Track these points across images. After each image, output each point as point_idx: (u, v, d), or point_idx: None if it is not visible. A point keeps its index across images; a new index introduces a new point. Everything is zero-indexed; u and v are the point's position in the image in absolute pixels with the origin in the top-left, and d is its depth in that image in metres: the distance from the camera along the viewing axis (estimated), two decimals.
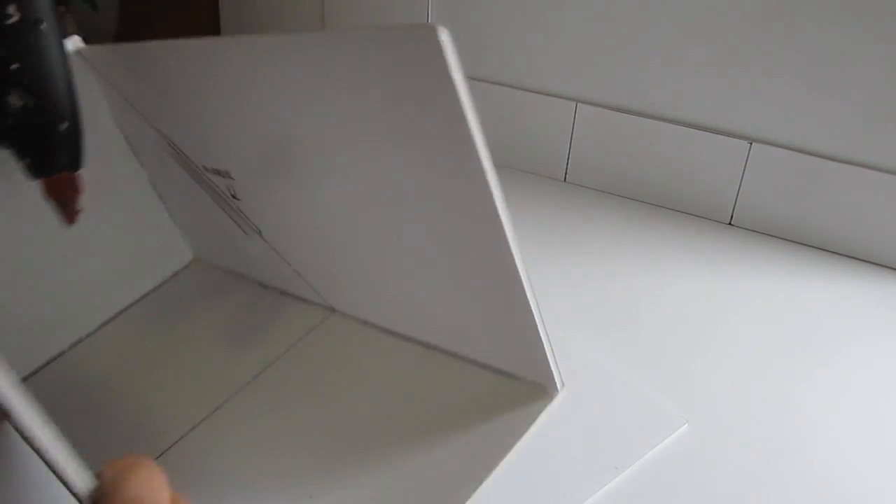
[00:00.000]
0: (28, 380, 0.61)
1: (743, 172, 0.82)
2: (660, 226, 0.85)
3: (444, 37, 0.34)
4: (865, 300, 0.74)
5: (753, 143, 0.81)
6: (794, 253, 0.81)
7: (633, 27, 0.82)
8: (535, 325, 0.47)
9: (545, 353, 0.50)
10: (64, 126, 0.39)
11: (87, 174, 0.48)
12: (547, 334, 0.49)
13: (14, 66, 0.36)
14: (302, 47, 0.40)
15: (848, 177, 0.77)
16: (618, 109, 0.87)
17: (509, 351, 0.54)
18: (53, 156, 0.40)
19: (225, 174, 0.57)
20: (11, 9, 0.35)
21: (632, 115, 0.86)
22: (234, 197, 0.58)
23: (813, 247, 0.82)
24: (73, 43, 0.53)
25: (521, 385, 0.54)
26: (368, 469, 0.48)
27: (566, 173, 0.92)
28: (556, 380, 0.53)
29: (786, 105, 0.78)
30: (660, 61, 0.82)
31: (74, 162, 0.41)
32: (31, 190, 0.47)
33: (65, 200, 0.42)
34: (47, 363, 0.62)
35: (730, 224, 0.85)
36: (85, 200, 0.48)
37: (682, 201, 0.87)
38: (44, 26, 0.36)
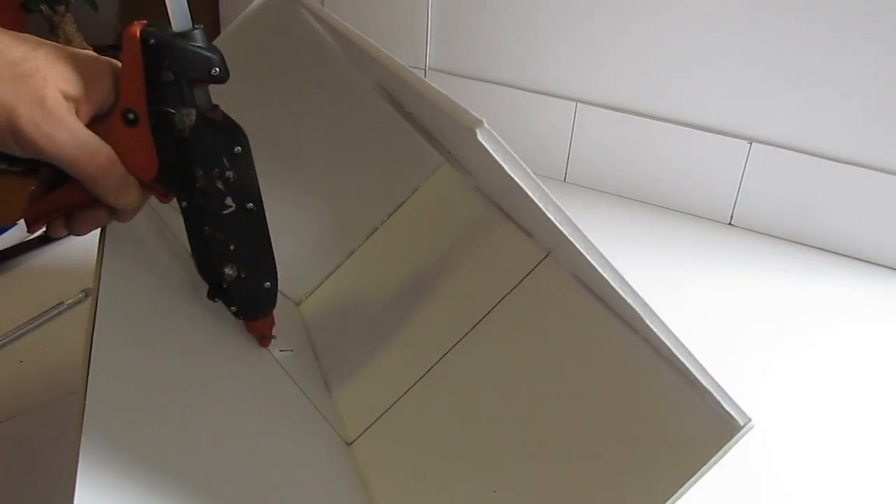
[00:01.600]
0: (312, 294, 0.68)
1: (743, 172, 0.82)
2: (660, 226, 0.85)
3: None
4: (865, 300, 0.74)
5: (753, 143, 0.81)
6: (794, 253, 0.81)
7: (633, 27, 0.82)
8: None
9: None
10: (267, 284, 0.48)
11: (329, 107, 0.61)
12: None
13: (231, 246, 0.45)
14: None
15: (848, 177, 0.77)
16: (618, 109, 0.87)
17: None
18: (257, 306, 0.49)
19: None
20: (229, 200, 0.43)
21: (632, 115, 0.86)
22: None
23: (813, 247, 0.82)
24: None
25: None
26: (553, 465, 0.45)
27: (566, 173, 0.92)
28: None
29: (786, 105, 0.78)
30: (660, 61, 0.82)
31: (272, 307, 0.50)
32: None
33: (263, 334, 0.52)
34: (331, 272, 0.69)
35: (730, 224, 0.85)
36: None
37: (682, 201, 0.87)
38: (253, 208, 0.44)
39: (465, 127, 0.29)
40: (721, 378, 0.38)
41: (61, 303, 0.70)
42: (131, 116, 0.39)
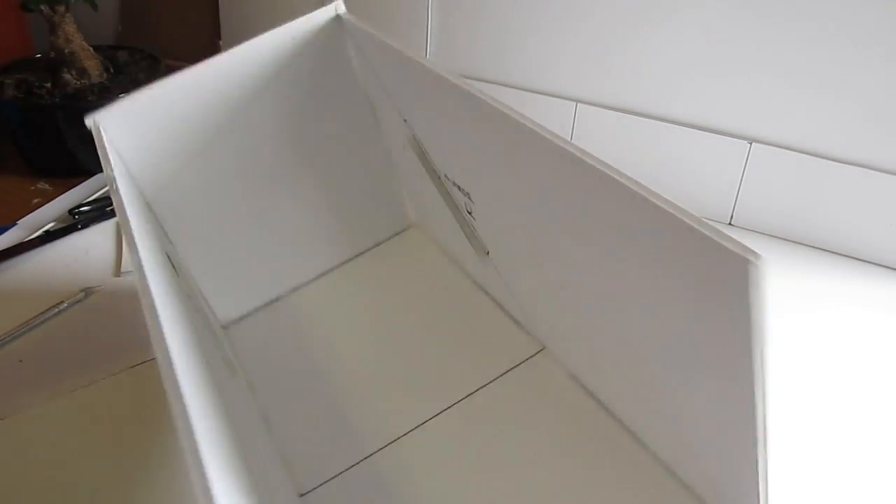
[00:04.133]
0: (243, 320, 0.66)
1: (743, 172, 0.82)
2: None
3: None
4: (865, 300, 0.74)
5: (753, 143, 0.81)
6: (794, 253, 0.81)
7: (633, 27, 0.82)
8: (757, 478, 0.41)
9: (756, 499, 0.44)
10: None
11: (327, 124, 0.58)
12: (766, 483, 0.42)
13: None
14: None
15: (848, 177, 0.77)
16: (618, 109, 0.87)
17: (710, 474, 0.48)
18: None
19: (465, 192, 0.55)
20: None
21: (632, 115, 0.86)
22: (469, 213, 0.56)
23: (813, 247, 0.82)
24: (337, 7, 0.55)
25: None
26: None
27: None
28: None
29: (786, 105, 0.78)
30: (660, 61, 0.82)
31: None
32: (272, 139, 0.57)
33: None
34: (267, 303, 0.67)
35: (730, 224, 0.85)
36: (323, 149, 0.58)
37: (682, 201, 0.87)
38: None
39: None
40: None
41: (61, 302, 0.70)
42: None
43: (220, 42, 1.05)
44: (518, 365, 0.57)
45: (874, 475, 0.55)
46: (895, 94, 0.73)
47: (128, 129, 0.53)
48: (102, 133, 0.52)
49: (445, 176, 0.57)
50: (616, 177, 0.38)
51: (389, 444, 0.54)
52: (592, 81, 0.87)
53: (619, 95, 0.86)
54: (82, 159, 0.90)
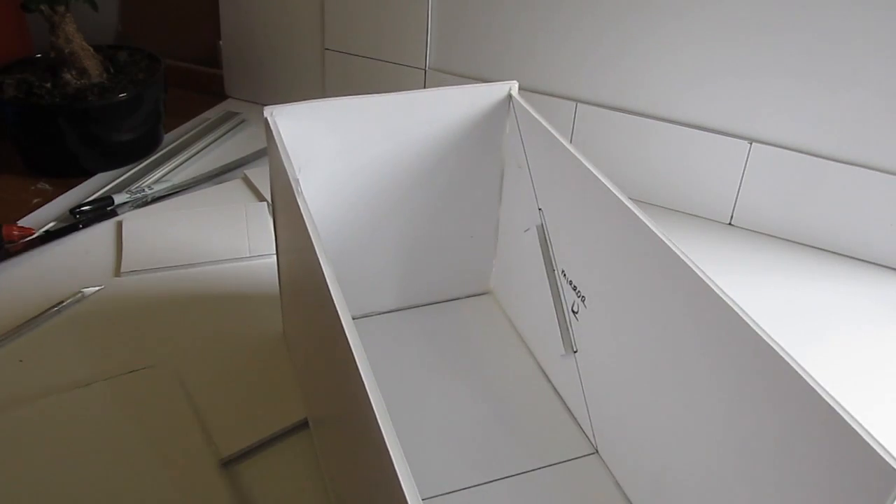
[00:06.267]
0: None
1: (743, 172, 0.82)
2: (660, 225, 0.85)
3: None
4: (865, 300, 0.74)
5: (753, 143, 0.81)
6: (794, 253, 0.81)
7: (633, 27, 0.82)
8: None
9: None
10: None
11: (460, 177, 0.65)
12: None
13: None
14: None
15: (848, 177, 0.77)
16: (618, 109, 0.87)
17: None
18: None
19: (580, 294, 0.56)
20: None
21: (632, 115, 0.86)
22: (573, 312, 0.58)
23: (813, 247, 0.82)
24: (511, 88, 0.63)
25: None
26: None
27: None
28: None
29: (786, 105, 0.78)
30: (660, 61, 0.82)
31: None
32: (409, 172, 0.64)
33: None
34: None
35: (730, 224, 0.85)
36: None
37: (682, 201, 0.87)
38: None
39: None
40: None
41: (61, 302, 0.70)
42: None
43: (220, 42, 1.05)
44: (569, 461, 0.57)
45: None
46: (895, 95, 0.73)
47: (296, 127, 0.58)
48: (277, 125, 0.55)
49: (563, 272, 0.59)
50: (764, 338, 0.40)
51: (426, 499, 0.54)
52: (592, 81, 0.87)
53: (619, 95, 0.86)
54: (82, 159, 0.90)
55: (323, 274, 0.41)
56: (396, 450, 0.31)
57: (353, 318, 0.68)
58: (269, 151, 0.57)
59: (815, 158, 0.78)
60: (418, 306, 0.72)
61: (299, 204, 0.46)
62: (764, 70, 0.78)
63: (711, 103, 0.82)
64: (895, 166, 0.75)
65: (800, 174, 0.79)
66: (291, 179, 0.48)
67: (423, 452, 0.57)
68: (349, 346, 0.36)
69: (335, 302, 0.39)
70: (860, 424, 0.33)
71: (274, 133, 0.54)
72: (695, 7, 0.78)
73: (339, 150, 0.60)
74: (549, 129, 0.57)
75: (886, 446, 0.32)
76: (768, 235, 0.84)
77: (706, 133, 0.83)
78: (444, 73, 0.92)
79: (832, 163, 0.78)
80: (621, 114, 0.86)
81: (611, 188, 0.50)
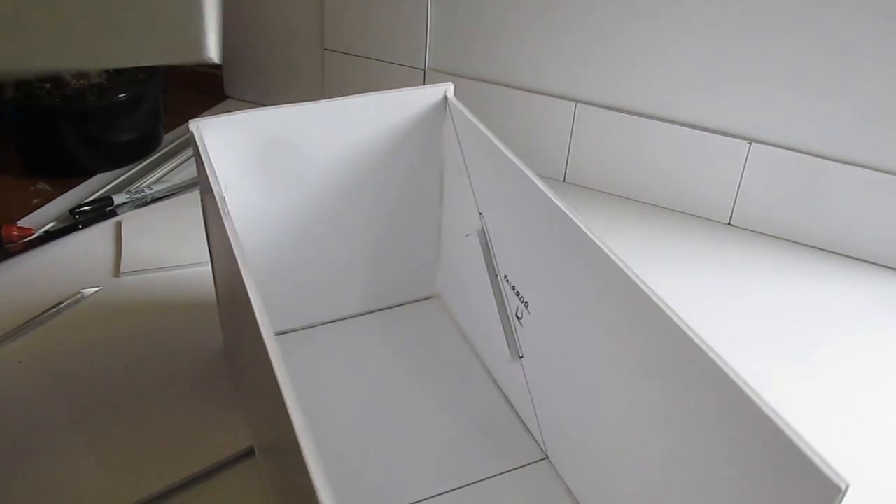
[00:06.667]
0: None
1: (743, 172, 0.82)
2: (659, 226, 0.85)
3: None
4: (865, 300, 0.74)
5: (753, 143, 0.81)
6: (793, 253, 0.81)
7: (633, 27, 0.82)
8: None
9: None
10: None
11: (398, 182, 0.64)
12: None
13: None
14: None
15: (848, 177, 0.77)
16: (618, 109, 0.87)
17: None
18: None
19: (523, 300, 0.56)
20: None
21: (632, 116, 0.86)
22: (518, 318, 0.57)
23: (813, 247, 0.82)
24: (447, 90, 0.61)
25: None
26: None
27: (565, 173, 0.92)
28: None
29: (786, 105, 0.78)
30: (659, 61, 0.82)
31: None
32: (346, 179, 0.62)
33: None
34: (286, 331, 0.69)
35: (729, 224, 0.85)
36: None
37: (682, 201, 0.87)
38: None
39: None
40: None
41: (61, 303, 0.70)
42: None
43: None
44: (519, 468, 0.57)
45: (876, 475, 0.55)
46: (894, 95, 0.73)
47: (224, 140, 0.57)
48: (203, 140, 0.54)
49: (505, 277, 0.58)
50: (700, 345, 0.40)
51: None
52: (592, 81, 0.87)
53: (619, 95, 0.86)
54: (82, 160, 0.90)
55: (244, 285, 0.40)
56: (319, 477, 0.30)
57: (294, 331, 0.68)
58: (196, 166, 0.55)
59: (815, 158, 0.78)
60: (365, 314, 0.71)
61: (223, 219, 0.45)
62: (764, 70, 0.78)
63: (711, 103, 0.82)
64: (895, 166, 0.75)
65: (800, 174, 0.79)
66: (217, 196, 0.47)
67: (368, 467, 0.56)
68: (269, 359, 0.35)
69: (256, 313, 0.38)
70: (801, 437, 0.33)
71: (200, 147, 0.53)
72: (695, 7, 0.78)
73: (273, 160, 0.59)
74: (486, 132, 0.56)
75: (828, 460, 0.32)
76: (768, 235, 0.84)
77: (706, 133, 0.83)
78: (443, 74, 0.92)
79: (832, 163, 0.78)
80: (621, 114, 0.86)
81: (546, 192, 0.50)
